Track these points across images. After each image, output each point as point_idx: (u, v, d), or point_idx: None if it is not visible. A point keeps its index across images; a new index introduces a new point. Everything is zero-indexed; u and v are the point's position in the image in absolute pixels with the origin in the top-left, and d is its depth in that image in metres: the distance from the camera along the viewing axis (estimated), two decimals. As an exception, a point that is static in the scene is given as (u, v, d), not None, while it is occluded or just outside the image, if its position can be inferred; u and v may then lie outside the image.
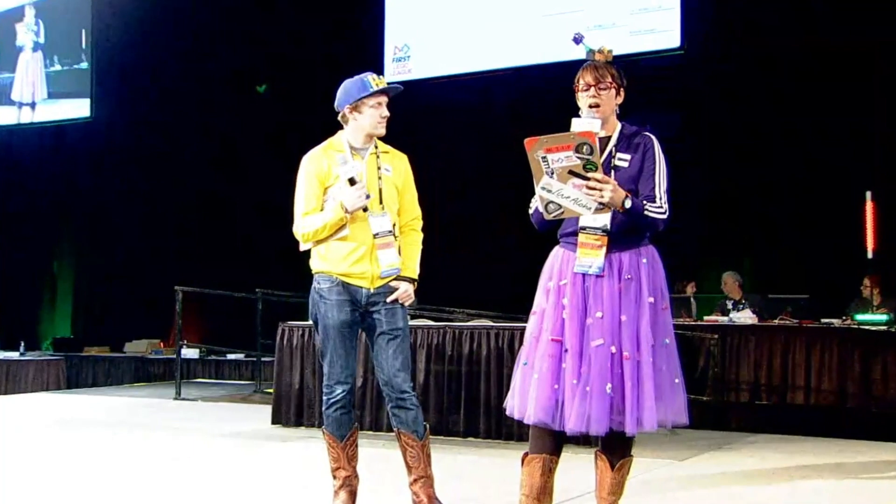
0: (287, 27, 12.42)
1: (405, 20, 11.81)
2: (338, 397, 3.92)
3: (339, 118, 4.03)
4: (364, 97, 3.92)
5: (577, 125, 3.15)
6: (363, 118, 3.95)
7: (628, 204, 3.09)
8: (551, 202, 3.10)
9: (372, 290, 3.90)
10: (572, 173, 3.04)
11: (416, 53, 11.64)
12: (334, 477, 3.98)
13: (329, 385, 3.92)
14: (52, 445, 6.09)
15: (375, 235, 3.90)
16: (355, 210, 3.84)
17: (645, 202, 3.16)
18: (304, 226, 3.95)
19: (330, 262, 3.92)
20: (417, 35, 11.67)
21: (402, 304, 3.98)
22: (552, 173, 3.05)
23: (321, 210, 3.94)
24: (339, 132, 4.06)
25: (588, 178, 3.03)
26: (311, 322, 4.03)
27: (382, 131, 4.00)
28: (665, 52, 10.08)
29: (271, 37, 12.58)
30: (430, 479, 3.92)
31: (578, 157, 3.01)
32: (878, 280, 8.13)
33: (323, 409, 3.97)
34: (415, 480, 3.90)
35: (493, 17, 11.13)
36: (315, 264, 3.97)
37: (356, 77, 4.00)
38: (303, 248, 4.06)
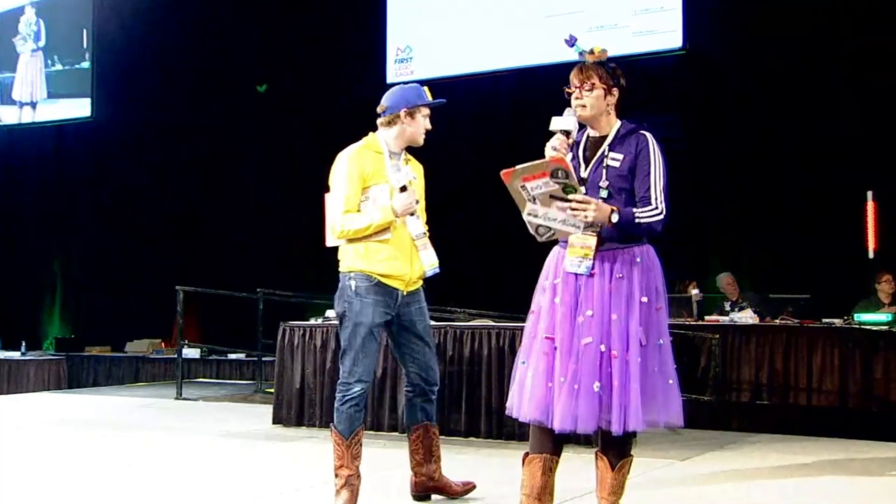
0: (289, 28, 12.43)
1: (407, 21, 11.81)
2: (355, 394, 3.96)
3: (382, 120, 4.11)
4: (421, 105, 4.06)
5: (555, 123, 3.20)
6: (415, 125, 4.08)
7: (615, 219, 3.10)
8: (540, 226, 3.13)
9: (405, 293, 4.02)
10: (553, 197, 3.06)
11: (419, 54, 11.65)
12: (336, 475, 3.99)
13: (348, 382, 3.96)
14: (52, 445, 6.09)
15: (415, 238, 4.02)
16: (405, 214, 3.95)
17: (635, 210, 3.15)
18: (346, 224, 3.97)
19: (370, 262, 3.97)
20: (420, 36, 11.67)
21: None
22: (534, 200, 3.08)
23: (357, 209, 3.99)
24: (374, 134, 4.14)
25: (570, 201, 3.05)
26: (334, 317, 4.14)
27: (422, 142, 4.13)
28: (667, 52, 10.09)
29: (273, 37, 12.59)
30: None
31: (556, 182, 3.04)
32: (892, 277, 8.09)
33: (336, 404, 3.99)
34: (437, 469, 4.09)
35: (496, 18, 11.14)
36: (351, 263, 4.00)
37: (411, 85, 4.16)
38: (332, 243, 4.11)
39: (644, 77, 9.23)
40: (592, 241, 3.15)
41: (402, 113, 4.06)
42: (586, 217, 3.05)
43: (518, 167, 3.04)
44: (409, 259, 4.01)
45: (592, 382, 3.07)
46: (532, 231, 3.16)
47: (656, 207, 3.16)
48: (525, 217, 3.13)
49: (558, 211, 3.08)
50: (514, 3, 11.06)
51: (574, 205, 3.05)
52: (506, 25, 11.02)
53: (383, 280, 3.98)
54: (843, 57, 9.33)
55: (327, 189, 4.15)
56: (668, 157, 3.29)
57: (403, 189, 3.95)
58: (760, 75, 9.81)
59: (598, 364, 3.09)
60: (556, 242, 3.32)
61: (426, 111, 4.10)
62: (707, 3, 9.96)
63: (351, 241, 4.00)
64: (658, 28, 10.11)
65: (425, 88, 4.16)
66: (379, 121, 4.13)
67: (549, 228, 3.13)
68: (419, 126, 4.09)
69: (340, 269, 4.06)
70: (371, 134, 4.15)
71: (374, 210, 3.95)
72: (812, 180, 9.38)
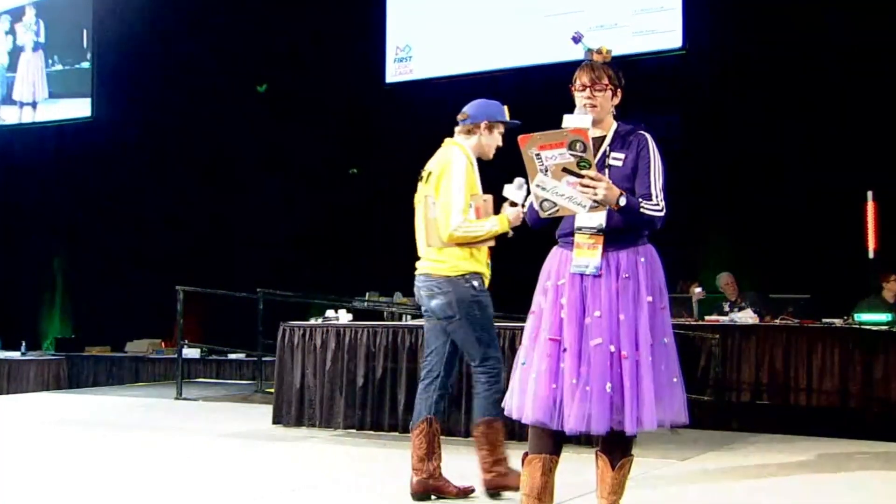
0: (288, 27, 12.43)
1: (407, 20, 11.82)
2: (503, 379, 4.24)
3: (461, 128, 4.36)
4: (501, 121, 4.37)
5: (568, 121, 3.15)
6: (490, 139, 4.36)
7: (623, 202, 3.07)
8: (546, 200, 3.09)
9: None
10: (566, 171, 3.03)
11: (418, 54, 11.65)
12: (502, 461, 4.29)
13: (499, 369, 4.26)
14: (52, 445, 6.09)
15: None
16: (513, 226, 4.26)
17: (641, 200, 3.15)
18: (468, 229, 4.20)
19: (476, 265, 4.26)
20: (419, 35, 11.68)
21: None
22: (546, 171, 3.04)
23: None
24: (459, 142, 4.35)
25: (582, 176, 3.03)
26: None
27: (491, 156, 4.40)
28: (667, 52, 10.09)
29: (272, 36, 12.59)
30: None
31: (572, 155, 3.00)
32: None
33: (488, 396, 4.23)
34: (437, 467, 4.30)
35: (495, 18, 11.14)
36: (462, 265, 4.25)
37: (493, 101, 4.46)
38: (436, 244, 4.28)
39: (644, 77, 9.22)
40: (599, 241, 3.14)
41: (482, 124, 4.32)
42: (595, 194, 3.02)
43: (536, 134, 3.01)
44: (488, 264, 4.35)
45: (604, 383, 3.06)
46: (536, 204, 3.13)
47: (657, 204, 3.17)
48: (532, 188, 3.09)
49: (567, 186, 3.04)
50: (514, 3, 11.06)
51: (586, 180, 3.02)
52: (506, 25, 11.02)
53: (485, 280, 4.30)
54: (843, 57, 9.33)
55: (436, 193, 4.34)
56: (668, 157, 3.29)
57: (513, 204, 4.18)
58: (760, 75, 9.81)
59: (609, 365, 3.08)
60: (555, 243, 3.31)
61: (502, 128, 4.36)
62: (707, 3, 9.96)
63: (458, 245, 4.23)
64: (658, 28, 10.11)
65: (506, 108, 4.42)
66: (458, 128, 4.35)
67: (554, 204, 3.08)
68: (494, 141, 4.34)
69: (446, 272, 4.23)
70: (452, 140, 4.37)
71: (491, 220, 4.20)
72: (812, 180, 9.38)
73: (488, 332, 4.25)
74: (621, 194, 3.07)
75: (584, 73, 3.26)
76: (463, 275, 4.20)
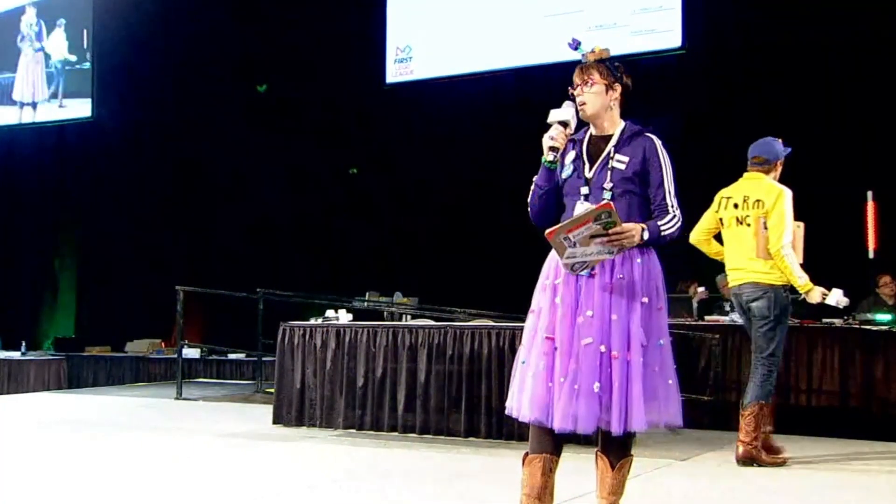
0: (289, 28, 12.43)
1: (407, 21, 11.83)
2: None
3: (764, 167, 5.40)
4: (784, 156, 5.40)
5: (553, 115, 3.19)
6: (778, 172, 5.37)
7: (646, 236, 3.13)
8: (577, 263, 3.13)
9: None
10: (594, 237, 3.08)
11: (418, 54, 11.66)
12: (758, 440, 5.21)
13: (778, 368, 5.35)
14: (52, 445, 6.09)
15: None
16: None
17: (659, 222, 3.17)
18: (789, 255, 5.16)
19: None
20: (419, 36, 11.69)
21: None
22: (575, 244, 3.08)
23: None
24: (766, 177, 5.36)
25: (609, 235, 3.06)
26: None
27: None
28: (666, 51, 10.09)
29: (273, 37, 12.59)
30: None
31: (597, 224, 3.04)
32: (891, 279, 8.08)
33: (767, 379, 5.27)
34: (756, 438, 5.33)
35: (495, 18, 11.14)
36: (781, 279, 5.20)
37: (774, 139, 5.49)
38: (767, 256, 5.21)
39: (643, 77, 9.20)
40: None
41: (778, 163, 5.36)
42: (623, 245, 3.09)
43: (562, 224, 3.07)
44: None
45: (592, 383, 3.07)
46: (567, 270, 3.16)
47: (674, 216, 3.19)
48: (562, 263, 3.14)
49: (595, 245, 3.08)
50: (514, 3, 11.07)
51: (614, 237, 3.06)
52: (506, 25, 11.02)
53: None
54: (843, 56, 9.33)
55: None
56: (671, 157, 3.29)
57: None
58: (760, 75, 9.80)
59: (598, 364, 3.09)
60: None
61: (783, 159, 5.35)
62: (707, 3, 9.96)
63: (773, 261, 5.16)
64: (657, 27, 10.12)
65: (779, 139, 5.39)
66: (758, 168, 5.39)
67: (585, 263, 3.13)
68: (779, 172, 5.35)
69: (773, 281, 5.19)
70: (757, 175, 5.39)
71: (804, 277, 5.21)
72: (812, 180, 9.36)
73: (783, 332, 5.22)
74: (643, 229, 3.10)
75: (576, 74, 3.31)
76: (784, 284, 5.17)
